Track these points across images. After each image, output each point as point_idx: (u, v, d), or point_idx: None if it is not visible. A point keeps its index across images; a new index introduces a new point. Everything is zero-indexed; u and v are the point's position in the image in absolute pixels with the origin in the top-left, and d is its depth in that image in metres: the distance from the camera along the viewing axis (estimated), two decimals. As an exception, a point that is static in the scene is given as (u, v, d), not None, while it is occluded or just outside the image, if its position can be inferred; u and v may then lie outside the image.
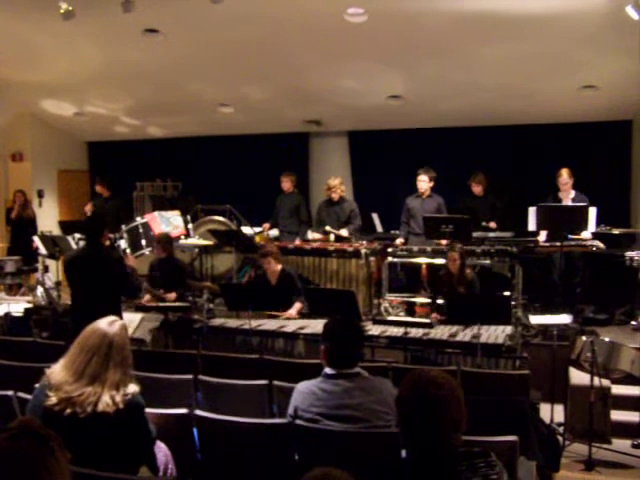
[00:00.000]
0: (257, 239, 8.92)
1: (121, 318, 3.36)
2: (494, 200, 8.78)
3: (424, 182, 8.14)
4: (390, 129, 10.66)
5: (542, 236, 7.68)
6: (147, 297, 7.01)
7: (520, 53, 7.66)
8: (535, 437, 4.02)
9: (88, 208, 10.32)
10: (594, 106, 8.98)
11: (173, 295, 6.93)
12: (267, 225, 9.30)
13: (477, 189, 8.69)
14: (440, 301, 6.68)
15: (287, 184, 9.10)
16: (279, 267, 6.90)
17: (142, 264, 7.56)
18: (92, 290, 5.33)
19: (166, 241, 7.35)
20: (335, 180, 8.53)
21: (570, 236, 7.36)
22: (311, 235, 8.72)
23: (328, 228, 8.34)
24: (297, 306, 6.69)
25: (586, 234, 7.42)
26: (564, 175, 7.73)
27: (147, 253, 7.97)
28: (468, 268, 6.95)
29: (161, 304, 6.73)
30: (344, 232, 8.31)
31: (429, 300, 7.30)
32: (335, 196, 8.49)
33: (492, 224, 8.42)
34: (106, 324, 3.11)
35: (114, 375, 3.00)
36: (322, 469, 1.95)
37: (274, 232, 9.34)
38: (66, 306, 6.92)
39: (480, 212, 8.37)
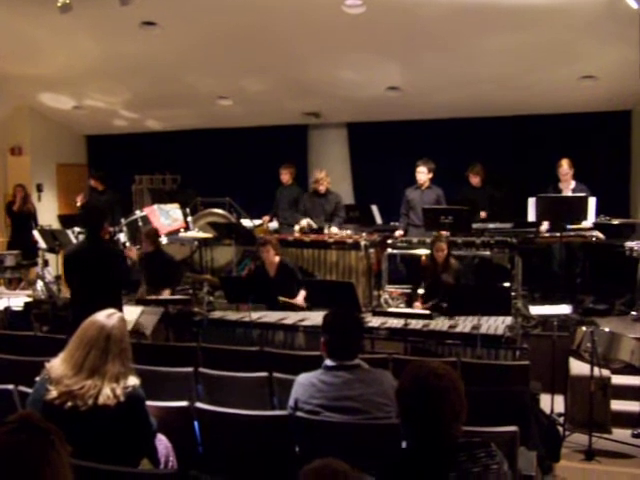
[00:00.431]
0: (257, 232, 8.92)
1: (121, 311, 3.36)
2: (492, 191, 8.78)
3: (423, 173, 8.15)
4: (389, 120, 10.64)
5: (544, 226, 7.68)
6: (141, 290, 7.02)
7: (519, 44, 7.63)
8: (535, 427, 4.03)
9: (80, 198, 10.27)
10: (593, 96, 8.95)
11: (167, 292, 6.96)
12: (267, 218, 9.30)
13: (475, 180, 8.69)
14: (421, 290, 6.74)
15: (286, 176, 9.11)
16: (277, 259, 6.94)
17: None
18: (92, 284, 5.33)
19: (154, 235, 7.38)
20: (321, 173, 8.67)
21: (569, 226, 7.36)
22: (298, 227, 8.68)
23: (329, 229, 8.38)
24: (303, 293, 6.74)
25: (586, 223, 7.42)
26: (564, 165, 7.73)
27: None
28: (452, 258, 6.97)
29: (161, 297, 6.74)
30: (334, 229, 8.38)
31: (409, 290, 7.36)
32: (322, 188, 8.61)
33: (482, 214, 8.39)
34: (104, 317, 3.11)
35: (113, 367, 3.00)
36: (322, 460, 1.96)
37: (274, 224, 9.35)
38: (66, 300, 6.94)
39: (479, 203, 8.36)
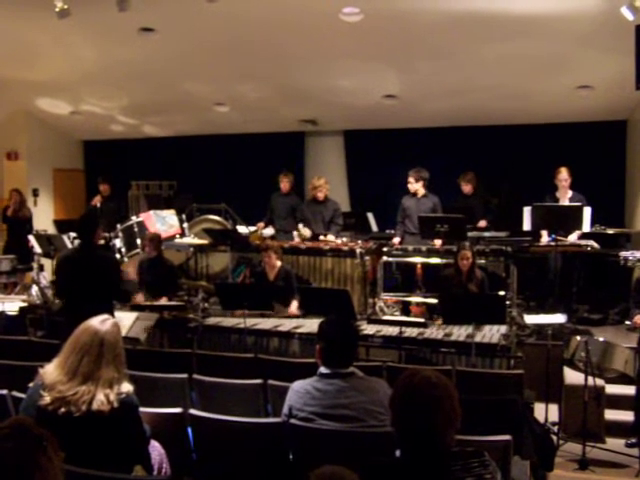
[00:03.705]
0: (252, 238, 8.92)
1: (113, 317, 3.34)
2: (486, 199, 8.79)
3: (410, 183, 8.15)
4: (386, 128, 10.68)
5: (545, 237, 7.70)
6: (139, 297, 6.99)
7: (515, 53, 7.67)
8: (529, 436, 4.02)
9: (97, 200, 10.31)
10: (589, 106, 9.00)
11: (164, 298, 6.95)
12: (261, 224, 9.29)
13: (466, 188, 8.70)
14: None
15: (286, 184, 9.10)
16: (279, 264, 6.97)
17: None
18: (84, 289, 5.31)
19: (158, 240, 7.38)
20: (320, 180, 8.67)
21: (552, 237, 7.42)
22: (296, 234, 8.73)
23: (322, 238, 8.42)
24: (295, 304, 6.76)
25: (572, 237, 7.47)
26: (564, 172, 7.73)
27: (141, 252, 7.97)
28: (477, 268, 6.89)
29: (156, 303, 6.73)
30: (331, 237, 8.40)
31: (431, 301, 7.22)
32: (321, 195, 8.62)
33: (482, 223, 8.42)
34: (98, 322, 3.11)
35: (107, 373, 2.99)
36: (331, 467, 1.90)
37: (268, 231, 9.33)
38: (61, 305, 6.91)
39: (475, 211, 8.38)
